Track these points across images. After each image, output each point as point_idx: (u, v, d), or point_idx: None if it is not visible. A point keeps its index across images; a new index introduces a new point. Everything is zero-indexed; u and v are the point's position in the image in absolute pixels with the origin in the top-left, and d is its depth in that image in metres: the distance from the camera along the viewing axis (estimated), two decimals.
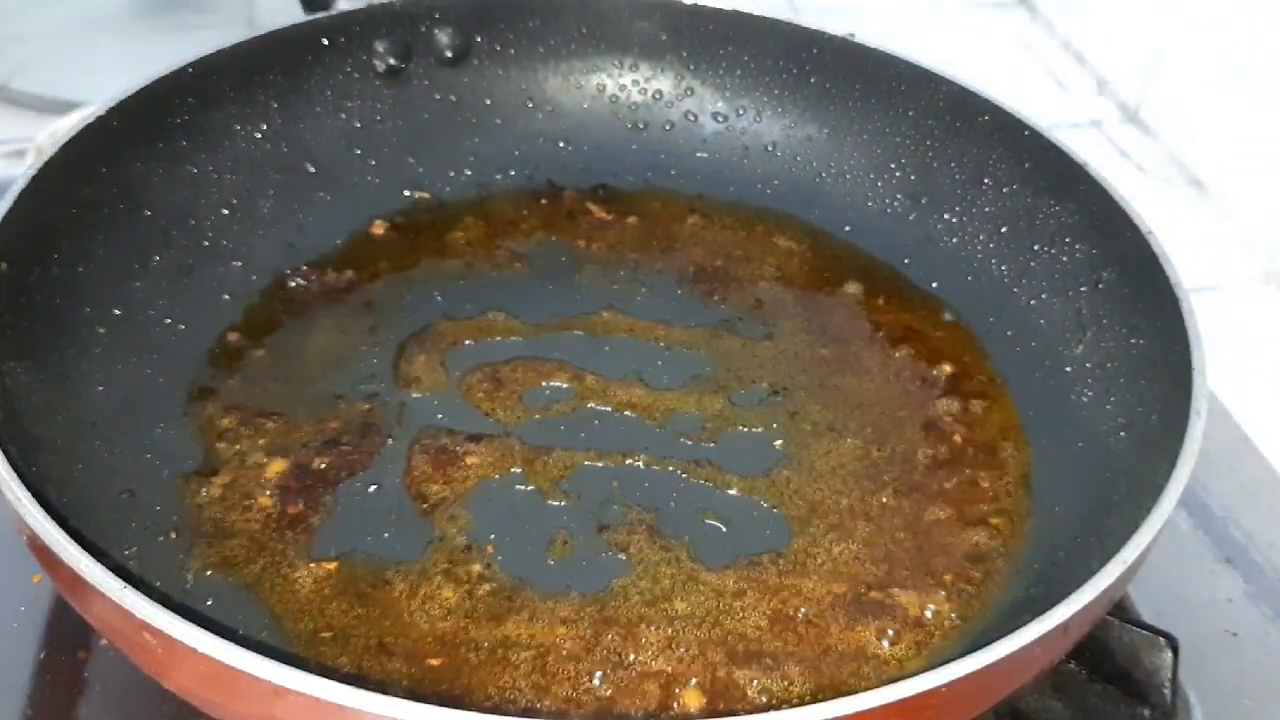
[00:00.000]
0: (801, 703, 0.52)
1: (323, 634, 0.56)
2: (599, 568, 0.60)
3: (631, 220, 0.81)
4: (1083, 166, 0.71)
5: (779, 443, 0.66)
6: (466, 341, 0.71)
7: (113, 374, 0.64)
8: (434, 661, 0.55)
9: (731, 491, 0.64)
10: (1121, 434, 0.63)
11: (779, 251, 0.79)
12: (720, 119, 0.84)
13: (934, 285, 0.76)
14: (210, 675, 0.44)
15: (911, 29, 1.12)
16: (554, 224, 0.80)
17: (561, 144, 0.84)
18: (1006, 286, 0.74)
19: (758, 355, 0.72)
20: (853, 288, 0.76)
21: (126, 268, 0.67)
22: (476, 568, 0.59)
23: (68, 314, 0.63)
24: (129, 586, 0.45)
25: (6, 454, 0.50)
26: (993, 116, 0.76)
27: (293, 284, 0.73)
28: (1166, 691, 0.57)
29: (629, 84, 0.84)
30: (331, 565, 0.59)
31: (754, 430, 0.67)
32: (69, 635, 0.60)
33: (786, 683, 0.55)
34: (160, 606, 0.44)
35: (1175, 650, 0.56)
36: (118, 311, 0.66)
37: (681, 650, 0.56)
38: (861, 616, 0.58)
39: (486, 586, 0.58)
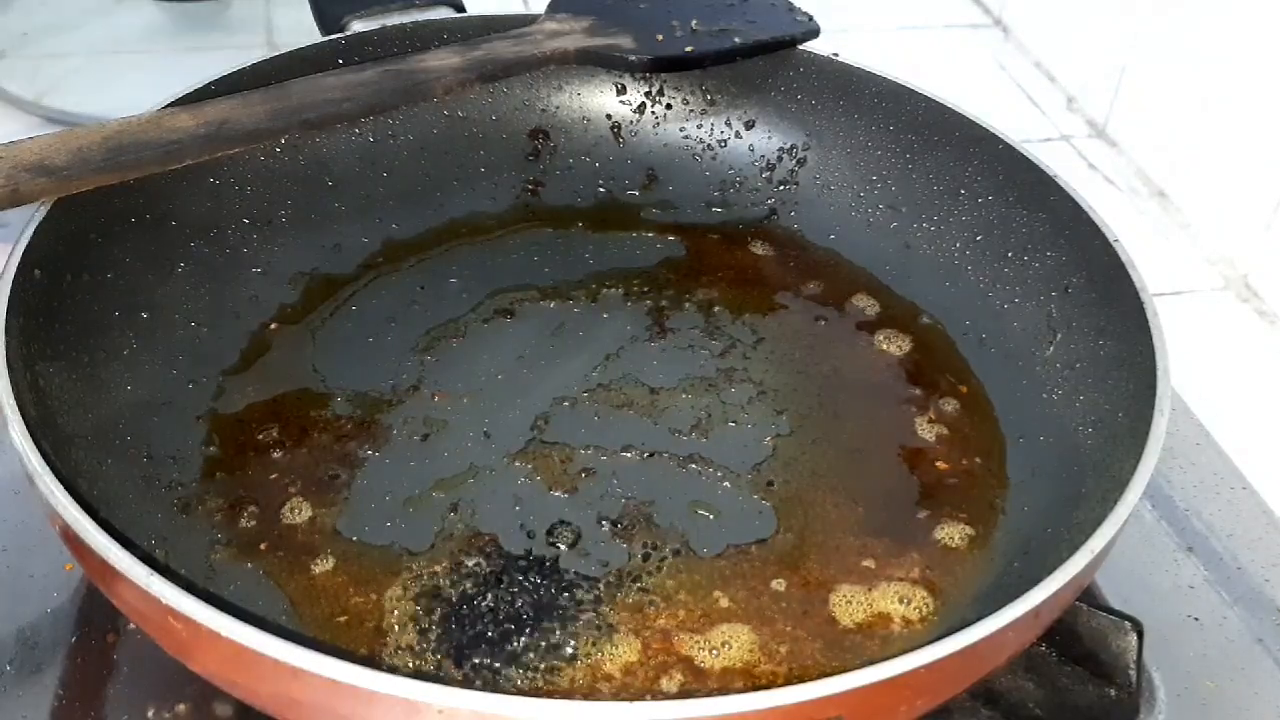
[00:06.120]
0: (781, 684, 0.53)
1: (337, 618, 0.56)
2: (599, 556, 0.60)
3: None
4: (1053, 178, 0.71)
5: (767, 439, 0.67)
6: (476, 339, 0.71)
7: (140, 374, 0.64)
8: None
9: (723, 485, 0.64)
10: (1090, 430, 0.63)
11: (765, 259, 0.79)
12: (709, 133, 0.84)
13: (913, 291, 0.76)
14: (232, 657, 0.44)
15: (893, 48, 1.12)
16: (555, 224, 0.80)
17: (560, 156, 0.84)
18: (981, 291, 0.74)
19: (747, 356, 0.72)
20: (836, 293, 0.76)
21: (153, 275, 0.67)
22: (481, 558, 0.59)
23: (97, 318, 0.63)
24: (155, 574, 0.45)
25: (40, 449, 0.50)
26: (968, 131, 0.76)
27: (310, 289, 0.73)
28: (1132, 673, 0.57)
29: (621, 100, 0.84)
30: (344, 554, 0.59)
31: (744, 427, 0.67)
32: (99, 620, 0.60)
33: (771, 664, 0.55)
34: (185, 593, 0.44)
35: (1140, 634, 0.56)
36: (145, 316, 0.66)
37: (674, 631, 0.56)
38: (842, 604, 0.58)
39: (492, 574, 0.58)
